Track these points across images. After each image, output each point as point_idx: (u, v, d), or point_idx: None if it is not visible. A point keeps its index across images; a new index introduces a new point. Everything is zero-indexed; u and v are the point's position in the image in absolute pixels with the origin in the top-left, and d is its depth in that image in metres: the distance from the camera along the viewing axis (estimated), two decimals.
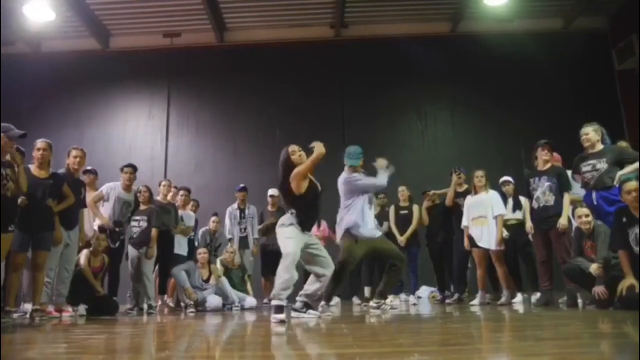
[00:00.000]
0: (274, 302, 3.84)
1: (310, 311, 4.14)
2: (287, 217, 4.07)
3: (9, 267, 4.44)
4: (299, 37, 10.11)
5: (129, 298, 6.47)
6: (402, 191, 6.89)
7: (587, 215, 4.58)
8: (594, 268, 4.42)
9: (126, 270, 5.89)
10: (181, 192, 6.96)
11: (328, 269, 4.15)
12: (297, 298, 4.23)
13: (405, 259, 5.18)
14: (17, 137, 4.11)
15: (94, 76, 9.97)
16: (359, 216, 4.79)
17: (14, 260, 4.40)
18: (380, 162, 4.94)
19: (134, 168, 6.09)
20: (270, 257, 7.37)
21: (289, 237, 3.97)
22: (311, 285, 4.17)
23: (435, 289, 7.19)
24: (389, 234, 6.72)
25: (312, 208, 4.14)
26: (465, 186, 6.38)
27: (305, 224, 4.06)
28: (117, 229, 5.79)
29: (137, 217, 5.82)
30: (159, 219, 5.92)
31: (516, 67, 9.63)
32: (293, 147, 4.20)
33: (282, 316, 3.71)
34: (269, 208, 7.57)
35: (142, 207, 5.88)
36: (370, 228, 4.85)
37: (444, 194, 6.59)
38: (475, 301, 5.69)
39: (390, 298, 6.43)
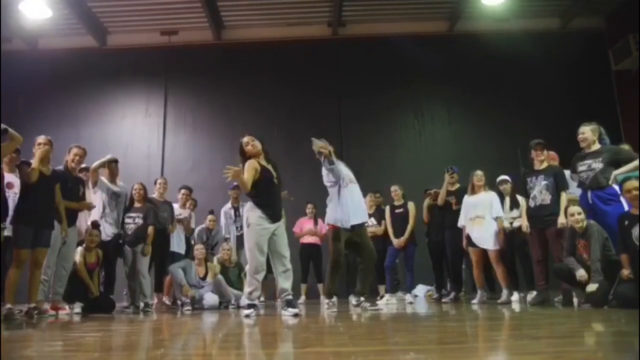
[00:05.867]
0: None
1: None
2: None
3: (12, 264, 4.42)
4: (297, 35, 10.10)
5: (125, 296, 6.47)
6: (395, 191, 6.89)
7: (579, 214, 4.60)
8: (580, 274, 4.49)
9: (122, 267, 5.88)
10: (182, 191, 6.95)
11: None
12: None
13: (376, 259, 5.34)
14: None
15: (91, 74, 9.94)
16: (335, 207, 5.05)
17: (17, 257, 4.39)
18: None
19: (115, 162, 6.03)
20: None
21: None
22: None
23: (431, 288, 7.20)
24: (385, 234, 6.74)
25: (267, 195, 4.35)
26: (457, 185, 6.41)
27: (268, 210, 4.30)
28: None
29: (132, 214, 5.79)
30: (156, 217, 5.91)
31: (513, 67, 9.65)
32: (246, 138, 4.50)
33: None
34: None
35: (137, 204, 5.86)
36: (353, 213, 4.99)
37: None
38: (475, 300, 5.70)
39: (386, 296, 6.47)
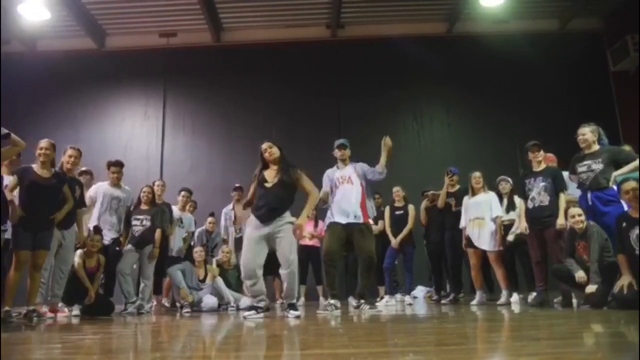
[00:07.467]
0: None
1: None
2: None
3: (13, 266, 4.41)
4: (296, 37, 10.11)
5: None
6: (397, 191, 6.88)
7: (579, 215, 4.59)
8: (579, 275, 4.49)
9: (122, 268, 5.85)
10: (182, 194, 6.92)
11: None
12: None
13: (375, 263, 5.29)
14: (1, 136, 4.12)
15: (89, 76, 9.95)
16: (329, 212, 5.22)
17: (17, 259, 4.39)
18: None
19: (120, 165, 6.00)
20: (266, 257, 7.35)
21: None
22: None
23: (431, 289, 7.19)
24: (383, 234, 6.73)
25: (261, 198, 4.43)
26: (457, 187, 6.40)
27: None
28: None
29: (140, 217, 5.79)
30: (162, 220, 5.94)
31: (512, 68, 9.66)
32: (265, 145, 4.56)
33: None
34: None
35: (144, 206, 5.87)
36: (336, 213, 5.12)
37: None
38: (475, 301, 5.70)
39: (386, 298, 6.46)
